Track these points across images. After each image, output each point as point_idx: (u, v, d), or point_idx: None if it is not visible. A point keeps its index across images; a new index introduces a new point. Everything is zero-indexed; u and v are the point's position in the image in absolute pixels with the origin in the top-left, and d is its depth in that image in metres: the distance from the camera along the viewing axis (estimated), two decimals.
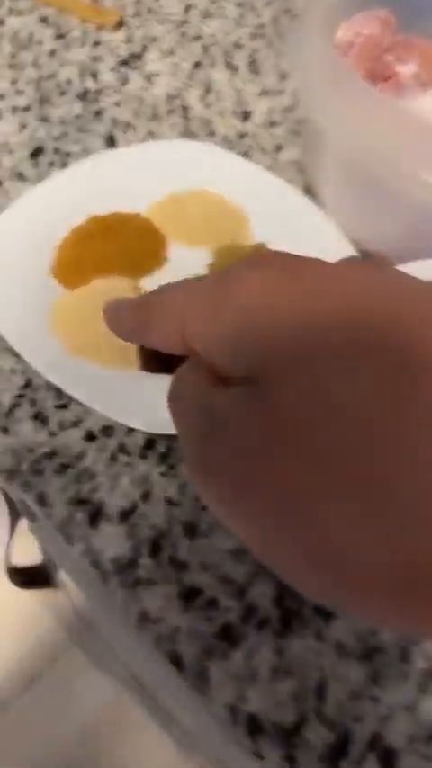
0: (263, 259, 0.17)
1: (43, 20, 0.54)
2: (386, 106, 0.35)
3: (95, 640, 0.97)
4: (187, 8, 0.57)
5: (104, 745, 1.01)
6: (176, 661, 0.29)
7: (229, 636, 0.30)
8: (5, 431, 0.34)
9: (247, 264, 0.17)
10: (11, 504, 0.49)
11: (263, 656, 0.30)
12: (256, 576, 0.31)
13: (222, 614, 0.30)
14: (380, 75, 0.45)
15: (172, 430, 0.33)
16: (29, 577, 0.52)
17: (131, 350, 0.37)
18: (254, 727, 0.28)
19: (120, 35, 0.54)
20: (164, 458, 0.34)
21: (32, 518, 0.35)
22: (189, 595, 0.31)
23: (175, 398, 0.18)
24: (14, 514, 0.46)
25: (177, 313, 0.18)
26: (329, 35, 0.39)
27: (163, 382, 0.34)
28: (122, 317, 0.22)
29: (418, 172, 0.33)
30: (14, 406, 0.35)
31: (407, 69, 0.43)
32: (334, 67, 0.36)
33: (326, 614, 0.31)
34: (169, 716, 0.66)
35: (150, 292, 0.20)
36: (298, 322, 0.15)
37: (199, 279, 0.18)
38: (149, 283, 0.39)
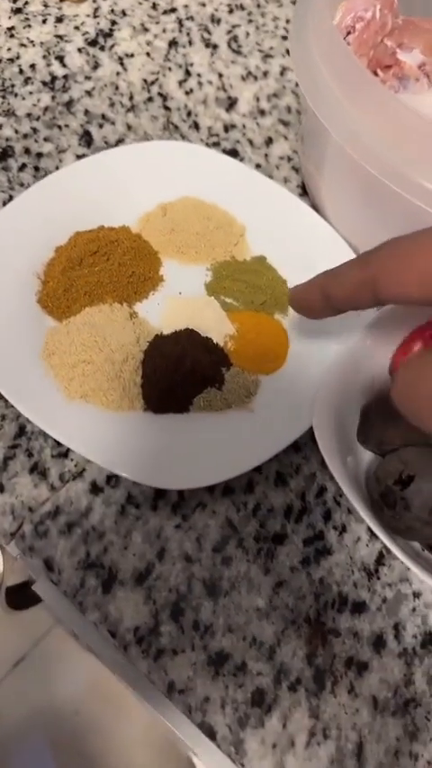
0: None
1: None
2: (395, 107, 0.32)
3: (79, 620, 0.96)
4: None
5: (93, 717, 1.02)
6: (210, 732, 0.28)
7: (262, 701, 0.29)
8: (1, 488, 0.31)
9: None
10: None
11: (298, 720, 0.28)
12: (284, 634, 0.30)
13: (253, 679, 0.29)
14: (380, 63, 0.41)
15: (181, 485, 0.31)
16: (23, 599, 0.49)
17: (133, 389, 0.34)
18: None
19: (85, 8, 0.49)
20: (176, 508, 0.32)
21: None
22: (217, 662, 0.29)
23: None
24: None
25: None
26: (332, 19, 0.35)
27: (166, 435, 0.31)
28: (340, 281, 0.25)
29: (419, 179, 0.30)
30: (9, 458, 0.32)
31: (411, 58, 0.40)
32: (341, 61, 0.32)
33: (357, 668, 0.30)
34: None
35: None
36: None
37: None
38: (144, 307, 0.36)
